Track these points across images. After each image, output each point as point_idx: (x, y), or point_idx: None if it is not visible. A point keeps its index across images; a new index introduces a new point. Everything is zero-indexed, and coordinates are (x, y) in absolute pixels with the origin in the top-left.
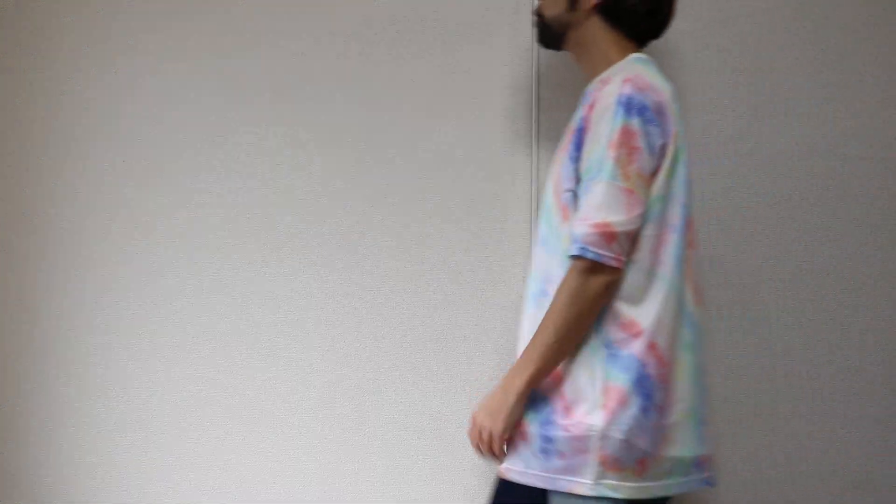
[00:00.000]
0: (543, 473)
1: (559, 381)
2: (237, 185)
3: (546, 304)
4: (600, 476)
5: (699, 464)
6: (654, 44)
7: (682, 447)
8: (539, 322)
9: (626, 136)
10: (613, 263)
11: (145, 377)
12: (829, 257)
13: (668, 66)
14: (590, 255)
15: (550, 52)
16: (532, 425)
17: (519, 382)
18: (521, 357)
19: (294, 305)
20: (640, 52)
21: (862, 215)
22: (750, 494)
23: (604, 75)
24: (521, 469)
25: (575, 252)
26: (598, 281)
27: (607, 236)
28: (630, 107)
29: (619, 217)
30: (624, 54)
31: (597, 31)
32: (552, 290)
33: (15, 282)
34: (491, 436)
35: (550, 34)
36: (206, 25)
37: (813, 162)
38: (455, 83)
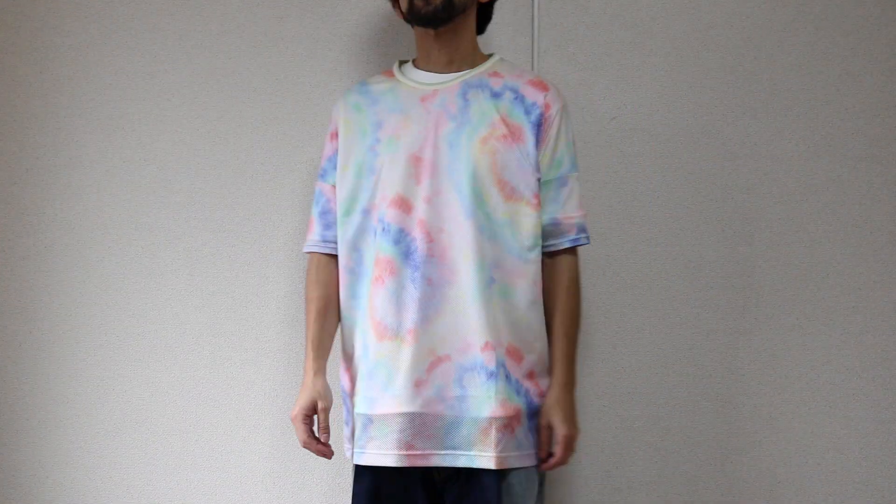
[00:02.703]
0: (533, 451)
1: (522, 358)
2: (237, 185)
3: (497, 289)
4: None
5: None
6: (655, 43)
7: None
8: (503, 307)
9: None
10: None
11: (145, 377)
12: (829, 257)
13: (667, 66)
14: (586, 242)
15: (551, 48)
16: (520, 406)
17: (574, 380)
18: (564, 356)
19: (294, 305)
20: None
21: (862, 215)
22: (750, 494)
23: (485, 68)
24: (518, 453)
25: (584, 242)
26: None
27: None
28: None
29: None
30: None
31: (470, 23)
32: (499, 276)
33: (15, 282)
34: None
35: (449, 13)
36: (206, 25)
37: (813, 162)
38: None
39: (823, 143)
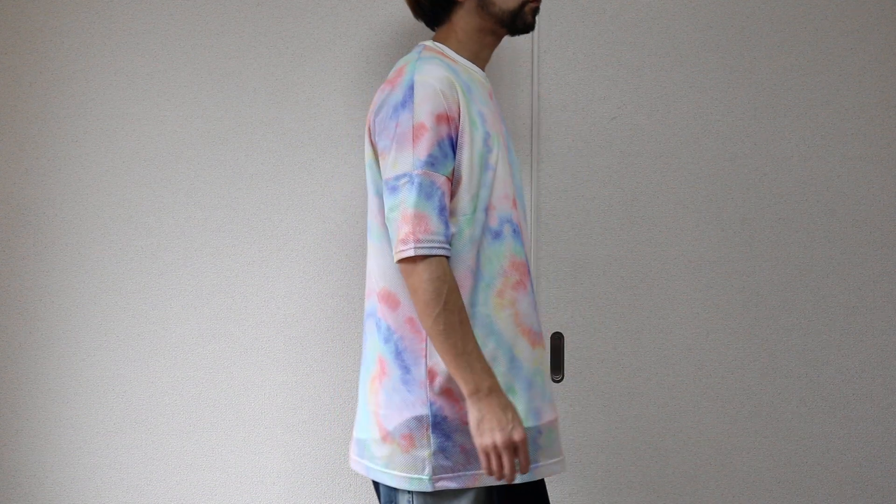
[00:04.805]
0: None
1: None
2: (237, 185)
3: None
4: None
5: None
6: (655, 43)
7: None
8: None
9: None
10: None
11: (145, 377)
12: (829, 257)
13: (667, 66)
14: None
15: (551, 48)
16: None
17: None
18: None
19: (294, 305)
20: None
21: (862, 215)
22: (750, 495)
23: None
24: None
25: None
26: None
27: None
28: None
29: None
30: None
31: None
32: None
33: (15, 282)
34: None
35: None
36: (206, 25)
37: (813, 162)
38: None
39: (823, 143)
